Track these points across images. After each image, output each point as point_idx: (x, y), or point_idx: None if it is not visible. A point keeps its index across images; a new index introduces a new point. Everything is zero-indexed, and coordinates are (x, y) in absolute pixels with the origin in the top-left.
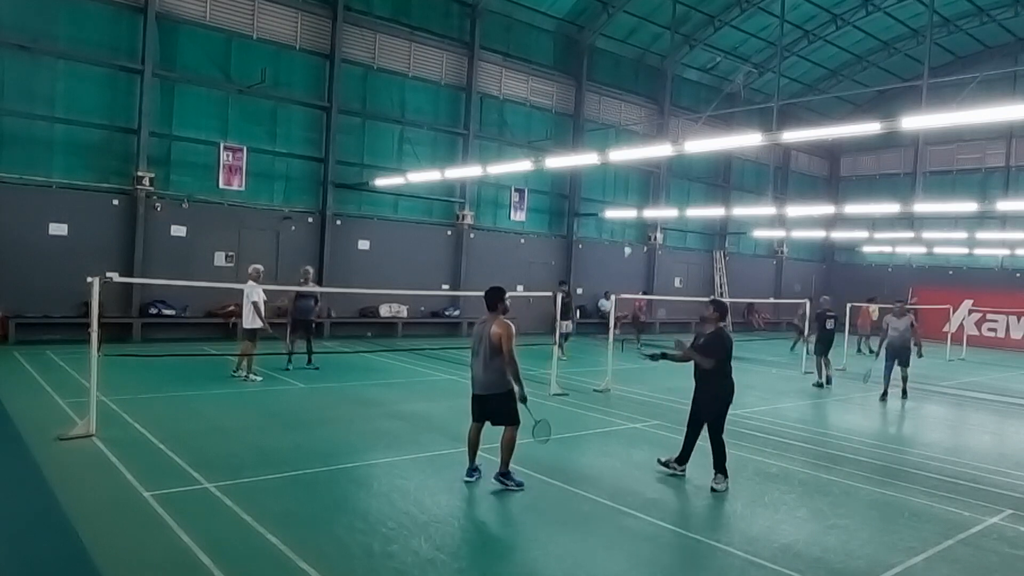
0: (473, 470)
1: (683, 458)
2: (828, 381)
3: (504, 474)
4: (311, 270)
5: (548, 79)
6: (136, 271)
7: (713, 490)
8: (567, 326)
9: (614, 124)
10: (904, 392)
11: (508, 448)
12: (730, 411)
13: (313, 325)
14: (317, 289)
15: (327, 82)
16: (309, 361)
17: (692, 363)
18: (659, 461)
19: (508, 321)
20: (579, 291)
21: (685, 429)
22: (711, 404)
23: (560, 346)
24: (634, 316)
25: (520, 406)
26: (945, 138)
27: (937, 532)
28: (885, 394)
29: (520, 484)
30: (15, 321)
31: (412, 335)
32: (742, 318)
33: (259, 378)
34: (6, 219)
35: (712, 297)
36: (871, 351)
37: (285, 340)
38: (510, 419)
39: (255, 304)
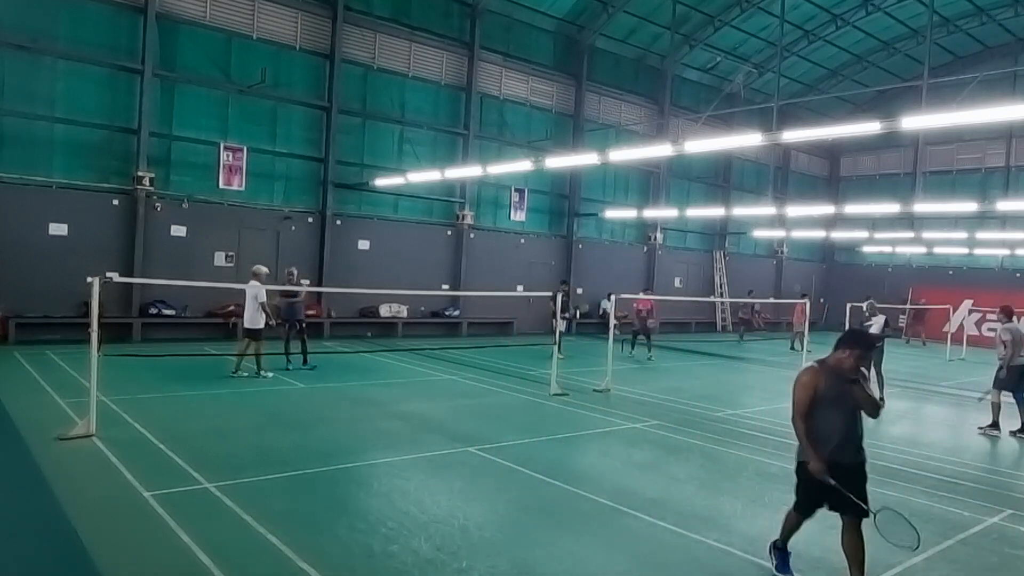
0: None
1: None
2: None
3: (776, 544)
4: (296, 271)
5: (548, 79)
6: (136, 271)
7: None
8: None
9: (614, 124)
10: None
11: (785, 521)
12: (730, 411)
13: (302, 325)
14: (302, 289)
15: (327, 82)
16: (305, 362)
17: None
18: None
19: (815, 366)
20: (579, 291)
21: None
22: None
23: (558, 345)
24: (640, 320)
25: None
26: (945, 138)
27: (937, 532)
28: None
29: (782, 570)
30: (15, 321)
31: (412, 335)
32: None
33: (271, 374)
34: (6, 219)
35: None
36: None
37: (283, 340)
38: (796, 491)
39: (262, 304)
